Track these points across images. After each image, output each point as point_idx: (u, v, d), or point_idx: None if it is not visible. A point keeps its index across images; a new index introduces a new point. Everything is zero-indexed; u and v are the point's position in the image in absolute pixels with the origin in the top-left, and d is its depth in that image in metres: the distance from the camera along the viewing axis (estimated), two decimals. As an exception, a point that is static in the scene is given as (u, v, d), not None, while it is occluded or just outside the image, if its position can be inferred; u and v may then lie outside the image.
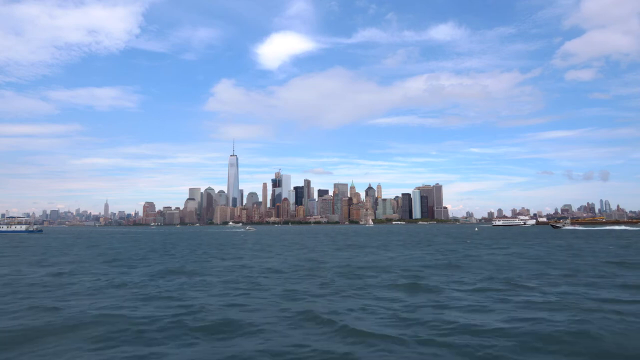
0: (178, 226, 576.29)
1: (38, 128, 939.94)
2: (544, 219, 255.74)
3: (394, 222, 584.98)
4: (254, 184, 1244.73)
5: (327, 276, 27.14)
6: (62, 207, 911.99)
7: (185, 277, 27.61)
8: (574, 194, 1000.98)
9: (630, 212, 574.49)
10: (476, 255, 43.80)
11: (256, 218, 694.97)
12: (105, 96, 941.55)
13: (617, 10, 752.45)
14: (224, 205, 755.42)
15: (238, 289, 22.34)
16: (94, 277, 27.56)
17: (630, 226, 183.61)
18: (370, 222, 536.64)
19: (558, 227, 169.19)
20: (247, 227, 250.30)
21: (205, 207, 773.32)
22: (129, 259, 42.61)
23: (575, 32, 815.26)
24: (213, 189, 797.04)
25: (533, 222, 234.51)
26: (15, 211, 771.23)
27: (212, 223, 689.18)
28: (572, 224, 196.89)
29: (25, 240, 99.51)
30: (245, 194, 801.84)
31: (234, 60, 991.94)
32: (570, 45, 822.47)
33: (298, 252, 51.44)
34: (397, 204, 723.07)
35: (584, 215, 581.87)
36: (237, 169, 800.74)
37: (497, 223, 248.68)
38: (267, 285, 23.86)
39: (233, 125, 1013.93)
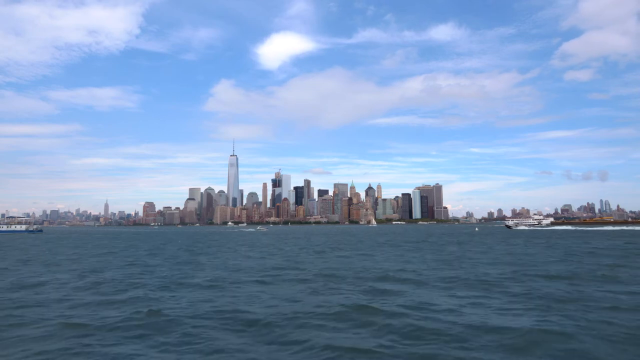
0: (179, 226, 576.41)
1: (38, 128, 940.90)
2: (551, 219, 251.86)
3: (394, 222, 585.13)
4: (254, 184, 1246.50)
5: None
6: (62, 207, 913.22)
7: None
8: (574, 194, 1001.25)
9: (631, 212, 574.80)
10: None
11: (256, 218, 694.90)
12: (105, 96, 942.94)
13: (615, 11, 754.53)
14: (224, 205, 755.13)
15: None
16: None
17: (584, 226, 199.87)
18: (374, 222, 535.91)
19: (510, 227, 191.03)
20: (258, 228, 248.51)
21: (205, 207, 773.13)
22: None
23: (574, 33, 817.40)
24: (213, 189, 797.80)
25: (549, 221, 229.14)
26: (15, 211, 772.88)
27: (212, 223, 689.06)
28: (526, 225, 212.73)
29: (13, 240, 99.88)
30: (245, 194, 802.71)
31: (234, 60, 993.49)
32: (569, 46, 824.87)
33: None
34: (397, 204, 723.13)
35: (584, 215, 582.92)
36: (237, 169, 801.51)
37: (509, 223, 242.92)
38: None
39: (233, 125, 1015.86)
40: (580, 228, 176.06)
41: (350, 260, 40.45)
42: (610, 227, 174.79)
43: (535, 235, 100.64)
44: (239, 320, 15.77)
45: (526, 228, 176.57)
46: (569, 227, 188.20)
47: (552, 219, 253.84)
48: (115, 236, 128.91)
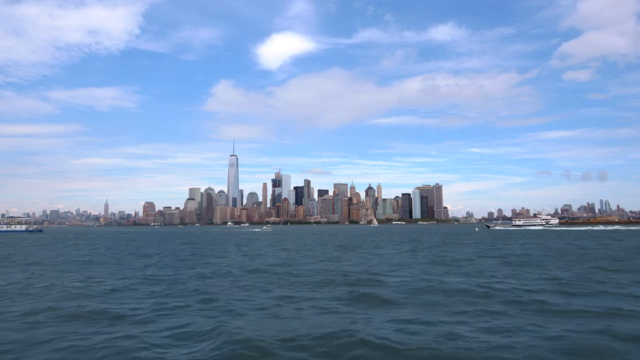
0: (179, 226, 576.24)
1: (38, 128, 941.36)
2: (557, 219, 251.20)
3: (394, 222, 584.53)
4: (254, 184, 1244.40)
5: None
6: (62, 207, 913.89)
7: None
8: (574, 194, 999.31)
9: (630, 212, 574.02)
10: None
11: (256, 218, 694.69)
12: (105, 96, 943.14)
13: (614, 12, 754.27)
14: (224, 205, 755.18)
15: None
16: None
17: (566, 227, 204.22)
18: (375, 222, 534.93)
19: (489, 227, 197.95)
20: (264, 227, 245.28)
21: (205, 207, 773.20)
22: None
23: (573, 33, 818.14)
24: (213, 189, 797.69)
25: (556, 221, 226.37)
26: (15, 211, 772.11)
27: (212, 223, 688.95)
28: (502, 225, 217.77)
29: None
30: (245, 194, 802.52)
31: (234, 60, 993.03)
32: (568, 46, 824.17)
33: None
34: (397, 204, 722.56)
35: (584, 215, 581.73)
36: (237, 169, 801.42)
37: (518, 223, 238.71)
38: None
39: (233, 126, 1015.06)
40: (583, 228, 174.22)
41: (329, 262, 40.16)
42: (620, 227, 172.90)
43: (528, 235, 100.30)
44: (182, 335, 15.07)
45: (502, 228, 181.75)
46: (579, 228, 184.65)
47: (557, 219, 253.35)
48: (112, 236, 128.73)
